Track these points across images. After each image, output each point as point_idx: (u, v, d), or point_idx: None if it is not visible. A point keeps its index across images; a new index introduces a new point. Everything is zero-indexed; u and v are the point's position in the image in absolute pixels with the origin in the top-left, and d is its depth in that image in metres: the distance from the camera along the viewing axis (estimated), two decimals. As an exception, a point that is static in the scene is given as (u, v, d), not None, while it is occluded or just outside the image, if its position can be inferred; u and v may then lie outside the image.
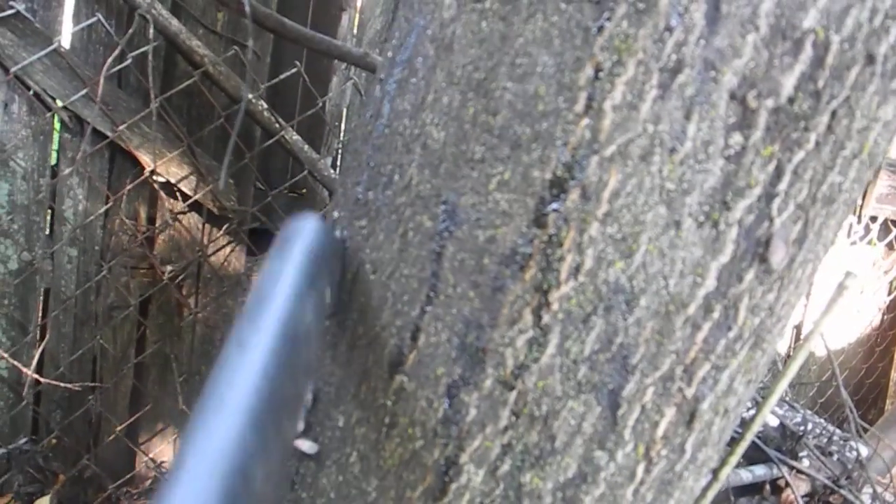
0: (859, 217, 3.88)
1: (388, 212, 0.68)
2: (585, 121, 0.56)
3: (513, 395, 0.61)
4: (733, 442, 1.08)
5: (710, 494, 1.06)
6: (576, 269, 0.57)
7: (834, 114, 0.56)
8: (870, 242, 4.01)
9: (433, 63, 0.66)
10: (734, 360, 0.62)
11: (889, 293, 4.26)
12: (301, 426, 0.73)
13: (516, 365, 0.60)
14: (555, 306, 0.58)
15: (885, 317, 4.31)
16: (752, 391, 0.69)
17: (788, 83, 0.55)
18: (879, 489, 1.86)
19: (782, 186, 0.57)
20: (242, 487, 0.36)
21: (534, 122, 0.58)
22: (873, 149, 0.61)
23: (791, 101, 0.55)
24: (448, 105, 0.64)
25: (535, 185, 0.58)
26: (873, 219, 3.93)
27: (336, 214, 0.77)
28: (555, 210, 0.57)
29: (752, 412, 1.04)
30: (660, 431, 0.62)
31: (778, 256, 0.58)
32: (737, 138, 0.56)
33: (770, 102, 0.55)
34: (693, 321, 0.59)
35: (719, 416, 0.65)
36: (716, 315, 0.59)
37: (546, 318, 0.59)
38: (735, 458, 1.05)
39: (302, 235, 0.60)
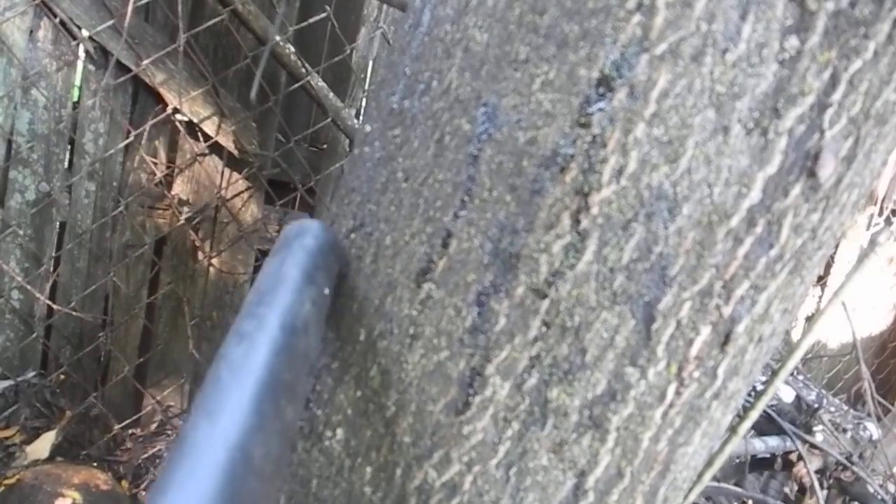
0: (881, 209, 3.85)
1: (423, 118, 0.66)
2: (637, 17, 0.54)
3: (545, 304, 0.59)
4: (749, 406, 1.07)
5: (728, 449, 1.05)
6: (619, 172, 0.56)
7: (896, 22, 0.54)
8: (889, 237, 3.98)
9: (478, -34, 0.64)
10: (773, 283, 0.60)
11: (905, 290, 4.23)
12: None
13: (551, 272, 0.59)
14: (594, 210, 0.57)
15: (900, 314, 4.28)
16: (786, 324, 0.67)
17: (852, -15, 0.53)
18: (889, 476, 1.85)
19: (836, 97, 0.55)
20: (242, 462, 0.40)
21: (583, 19, 0.56)
22: (932, 70, 0.59)
23: (852, 4, 0.53)
24: (493, 6, 0.62)
25: (581, 84, 0.56)
26: (895, 213, 3.90)
27: (367, 129, 0.76)
28: (600, 109, 0.56)
29: (766, 380, 1.03)
30: (694, 351, 0.60)
31: (826, 171, 0.56)
32: (793, 42, 0.54)
33: (830, 5, 0.53)
34: (735, 234, 0.57)
35: (753, 342, 0.63)
36: (759, 230, 0.57)
37: (585, 223, 0.57)
38: (756, 413, 1.04)
39: (301, 235, 0.64)
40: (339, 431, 0.71)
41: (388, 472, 0.68)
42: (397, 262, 0.66)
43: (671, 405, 0.62)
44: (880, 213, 3.86)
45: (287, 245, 0.63)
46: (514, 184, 0.59)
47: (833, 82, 0.54)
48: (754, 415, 1.02)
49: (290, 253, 0.61)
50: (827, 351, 4.00)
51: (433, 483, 0.66)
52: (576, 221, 0.57)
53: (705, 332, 0.60)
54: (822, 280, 3.82)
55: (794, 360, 1.01)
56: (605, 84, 0.55)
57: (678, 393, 0.62)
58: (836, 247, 3.78)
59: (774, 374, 1.03)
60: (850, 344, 4.06)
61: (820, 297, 3.76)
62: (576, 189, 0.57)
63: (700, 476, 1.01)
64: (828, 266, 3.85)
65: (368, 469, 0.69)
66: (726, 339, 0.61)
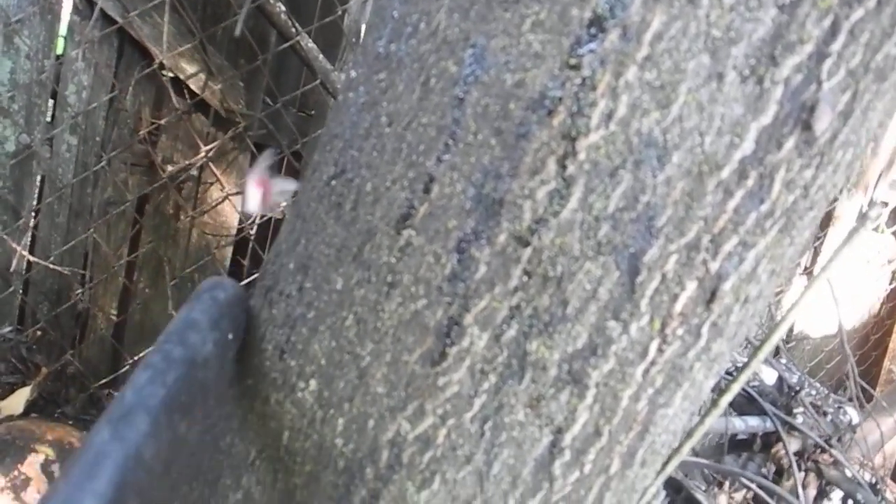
0: (870, 201, 3.85)
1: (410, 61, 0.64)
2: (633, -45, 0.52)
3: (527, 253, 0.58)
4: (731, 380, 1.06)
5: (709, 421, 1.04)
6: (608, 117, 0.54)
7: (900, -30, 0.52)
8: (877, 228, 3.98)
9: None
10: (762, 240, 0.59)
11: (891, 282, 4.24)
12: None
13: (534, 219, 0.57)
14: (581, 156, 0.55)
15: (884, 306, 4.29)
16: (772, 287, 0.66)
17: (856, -72, 0.51)
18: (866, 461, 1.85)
19: (836, 46, 0.53)
20: (134, 459, 0.49)
21: (577, -43, 0.54)
22: (935, 26, 0.57)
23: (857, -52, 0.51)
24: (484, -55, 0.60)
25: (573, 25, 0.54)
26: (884, 204, 3.90)
27: (353, 74, 0.74)
28: (591, 51, 0.54)
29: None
30: (678, 306, 0.59)
31: (822, 124, 0.55)
32: (794, -14, 0.52)
33: (834, -52, 0.51)
34: (726, 186, 0.55)
35: (739, 302, 0.62)
36: (750, 183, 0.56)
37: (571, 169, 0.55)
38: (737, 386, 1.03)
39: (213, 288, 0.73)
40: (312, 382, 0.69)
41: (361, 424, 0.66)
42: (377, 209, 0.64)
43: (653, 363, 0.61)
44: (870, 204, 3.85)
45: (199, 296, 0.72)
46: (500, 127, 0.57)
47: (833, 31, 0.53)
48: (735, 388, 1.01)
49: (201, 302, 0.70)
50: (810, 341, 4.00)
51: (406, 435, 0.64)
52: (562, 167, 0.55)
53: (691, 287, 0.58)
54: (808, 270, 3.82)
55: (779, 334, 0.99)
56: (597, 24, 0.53)
57: (660, 350, 0.60)
58: (824, 236, 3.78)
59: (757, 348, 1.02)
60: (833, 336, 4.07)
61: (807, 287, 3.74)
62: (563, 133, 0.55)
63: (679, 447, 1.00)
64: (815, 254, 3.85)
65: (341, 421, 0.67)
66: (712, 296, 0.59)
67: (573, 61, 0.54)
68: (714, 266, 0.58)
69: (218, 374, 0.67)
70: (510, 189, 0.57)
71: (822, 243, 3.83)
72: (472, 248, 0.59)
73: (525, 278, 0.58)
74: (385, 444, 0.65)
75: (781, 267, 0.64)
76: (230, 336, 0.70)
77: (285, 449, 0.72)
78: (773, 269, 0.63)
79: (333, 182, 0.70)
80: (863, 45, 0.54)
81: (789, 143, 0.55)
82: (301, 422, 0.70)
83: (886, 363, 4.25)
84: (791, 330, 3.95)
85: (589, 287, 0.58)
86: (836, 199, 3.63)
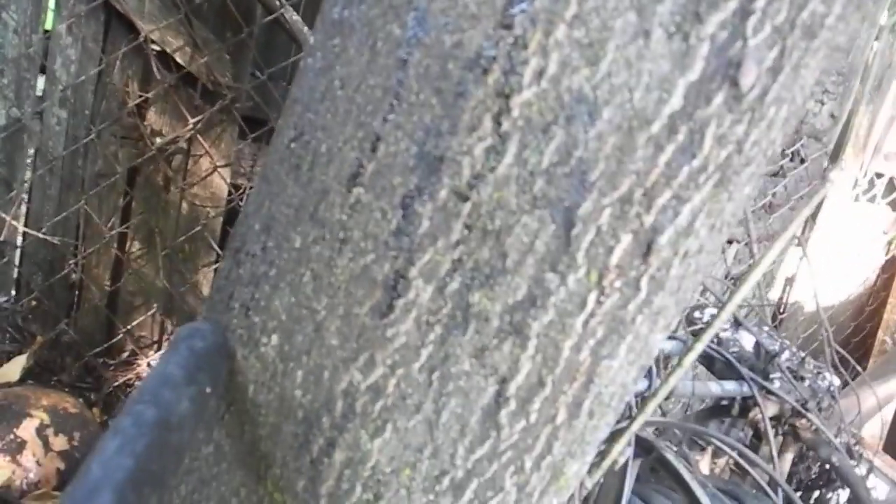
0: (865, 172, 3.85)
1: (360, 26, 0.66)
2: (561, -83, 0.54)
3: (467, 207, 0.60)
4: (696, 338, 1.08)
5: (674, 380, 1.06)
6: (539, 74, 0.56)
7: (820, -73, 0.54)
8: (872, 199, 3.99)
9: None
10: (697, 195, 0.61)
11: (886, 253, 4.25)
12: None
13: (473, 174, 0.59)
14: (515, 112, 0.57)
15: (880, 277, 4.30)
16: (715, 243, 0.68)
17: None
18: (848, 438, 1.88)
19: (759, 3, 0.55)
20: None
21: (509, -81, 0.56)
22: (861, -16, 0.59)
23: None
24: None
25: (506, -15, 0.56)
26: (879, 175, 3.91)
27: (312, 41, 0.76)
28: (522, 11, 0.56)
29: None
30: (614, 259, 0.61)
31: (748, 80, 0.56)
32: (716, -55, 0.53)
33: None
34: (656, 141, 0.57)
35: (678, 257, 0.64)
36: (680, 138, 0.57)
37: (506, 126, 0.57)
38: (701, 345, 1.05)
39: (190, 337, 0.72)
40: (274, 337, 0.72)
41: (317, 376, 0.69)
42: (331, 169, 0.67)
43: (592, 314, 0.63)
44: (864, 176, 3.87)
45: (175, 346, 0.69)
46: (440, 87, 0.59)
47: (756, -11, 0.54)
48: (699, 347, 1.03)
49: (177, 354, 0.68)
50: (803, 313, 4.02)
51: (359, 385, 0.67)
52: (497, 124, 0.57)
53: (626, 240, 0.60)
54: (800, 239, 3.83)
55: (741, 295, 1.02)
56: (528, -16, 0.55)
57: (599, 302, 0.62)
58: (819, 207, 3.78)
59: (723, 306, 1.04)
60: (828, 307, 4.08)
61: (801, 258, 3.78)
62: (497, 91, 0.57)
63: (643, 405, 1.02)
64: (811, 224, 3.86)
65: (299, 373, 0.70)
66: (648, 249, 0.61)
67: (506, 21, 0.56)
68: (648, 219, 0.60)
69: (193, 432, 0.64)
70: (450, 146, 0.59)
71: (817, 214, 3.83)
72: (415, 203, 0.61)
73: (466, 232, 0.60)
74: (339, 395, 0.68)
75: (722, 222, 0.66)
76: (208, 390, 0.68)
77: (251, 402, 0.75)
78: (713, 223, 0.64)
79: (293, 145, 0.72)
80: (787, 2, 0.55)
81: (718, 99, 0.57)
82: (264, 375, 0.73)
83: (880, 334, 4.27)
84: (786, 301, 3.97)
85: (526, 240, 0.60)
86: (826, 169, 3.63)
